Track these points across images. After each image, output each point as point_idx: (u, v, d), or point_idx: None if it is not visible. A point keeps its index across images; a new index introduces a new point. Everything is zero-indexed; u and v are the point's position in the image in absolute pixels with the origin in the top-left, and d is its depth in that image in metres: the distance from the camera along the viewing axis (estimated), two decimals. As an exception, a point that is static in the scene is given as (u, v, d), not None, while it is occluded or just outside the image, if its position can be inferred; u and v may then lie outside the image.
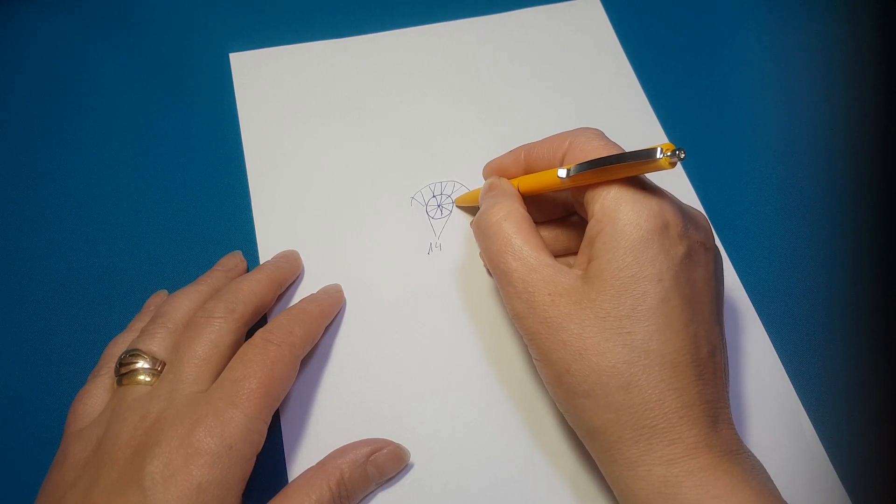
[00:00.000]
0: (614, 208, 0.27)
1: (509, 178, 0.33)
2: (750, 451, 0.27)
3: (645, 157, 0.25)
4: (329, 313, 0.34)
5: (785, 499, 0.26)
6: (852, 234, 0.39)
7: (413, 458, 0.31)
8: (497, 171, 0.35)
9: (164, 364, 0.29)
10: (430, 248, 0.37)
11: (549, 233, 0.34)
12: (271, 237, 0.37)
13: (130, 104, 0.42)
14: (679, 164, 0.40)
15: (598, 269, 0.27)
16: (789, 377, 0.34)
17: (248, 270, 0.36)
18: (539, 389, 0.33)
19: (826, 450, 0.33)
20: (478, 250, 0.37)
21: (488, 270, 0.36)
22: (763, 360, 0.35)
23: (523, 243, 0.29)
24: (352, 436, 0.31)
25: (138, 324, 0.33)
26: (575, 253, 0.33)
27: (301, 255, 0.37)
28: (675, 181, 0.40)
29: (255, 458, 0.27)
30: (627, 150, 0.27)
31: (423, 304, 0.36)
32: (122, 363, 0.29)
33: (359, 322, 0.35)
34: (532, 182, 0.31)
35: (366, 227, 0.38)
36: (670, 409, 0.25)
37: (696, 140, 0.41)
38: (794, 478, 0.32)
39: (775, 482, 0.27)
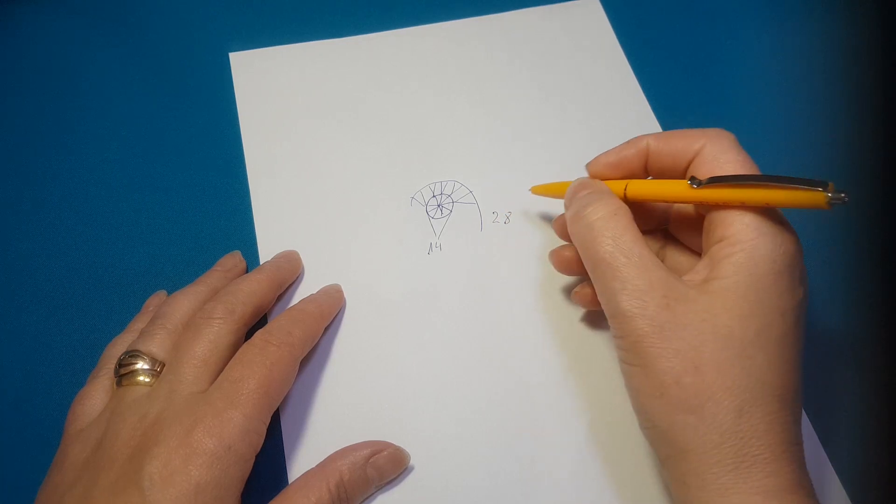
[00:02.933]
0: (753, 236, 0.26)
1: (628, 174, 0.31)
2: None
3: (806, 185, 0.24)
4: (328, 314, 0.34)
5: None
6: (852, 233, 0.39)
7: (413, 459, 0.31)
8: (616, 166, 0.32)
9: (164, 365, 0.29)
10: (431, 247, 0.37)
11: None
12: (271, 237, 0.37)
13: (130, 104, 0.42)
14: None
15: (723, 288, 0.26)
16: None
17: (247, 270, 0.36)
18: (539, 390, 0.33)
19: (826, 450, 0.33)
20: (478, 250, 0.37)
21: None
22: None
23: (634, 241, 0.28)
24: (352, 436, 0.31)
25: (137, 324, 0.33)
26: None
27: (301, 255, 0.37)
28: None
29: (253, 459, 0.28)
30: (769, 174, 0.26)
31: (423, 304, 0.36)
32: (121, 364, 0.30)
33: (359, 322, 0.35)
34: (651, 189, 0.30)
35: (366, 227, 0.38)
36: (775, 443, 0.25)
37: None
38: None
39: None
